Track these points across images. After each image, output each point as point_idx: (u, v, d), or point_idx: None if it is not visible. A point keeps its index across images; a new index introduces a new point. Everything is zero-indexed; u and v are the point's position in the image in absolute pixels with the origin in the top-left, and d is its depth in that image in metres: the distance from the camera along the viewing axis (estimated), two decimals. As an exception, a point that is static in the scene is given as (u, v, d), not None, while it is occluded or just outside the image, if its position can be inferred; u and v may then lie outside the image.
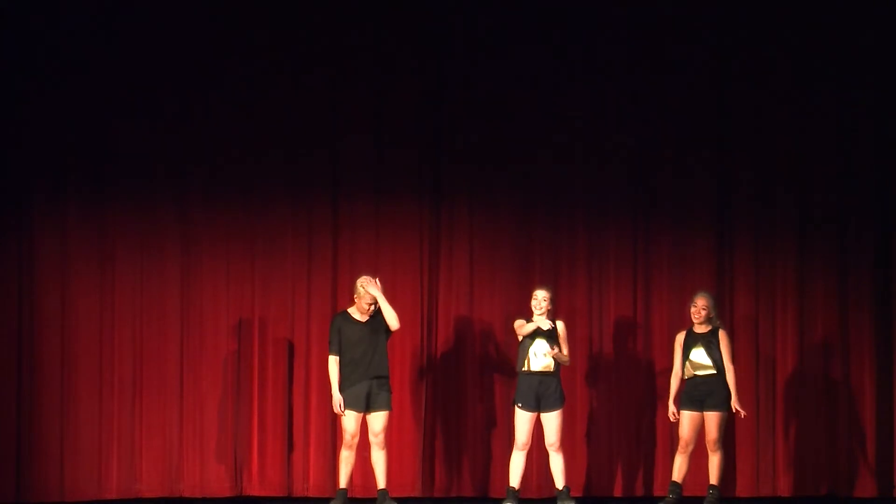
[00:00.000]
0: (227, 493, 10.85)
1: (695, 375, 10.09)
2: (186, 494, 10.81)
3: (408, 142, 11.13)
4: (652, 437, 11.01)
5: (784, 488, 10.98)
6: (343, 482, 9.97)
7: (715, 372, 10.06)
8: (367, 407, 9.90)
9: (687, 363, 10.13)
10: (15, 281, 10.69)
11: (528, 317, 10.09)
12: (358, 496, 10.56)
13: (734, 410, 10.01)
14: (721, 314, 10.98)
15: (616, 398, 11.08)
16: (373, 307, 9.97)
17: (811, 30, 11.15)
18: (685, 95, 11.17)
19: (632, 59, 11.16)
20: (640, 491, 11.01)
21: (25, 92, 10.75)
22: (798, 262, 11.12)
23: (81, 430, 10.70)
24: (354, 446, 9.94)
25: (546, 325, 9.92)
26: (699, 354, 10.11)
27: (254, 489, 10.90)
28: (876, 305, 11.03)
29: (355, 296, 10.02)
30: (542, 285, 10.27)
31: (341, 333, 9.96)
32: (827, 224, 11.11)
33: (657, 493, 10.85)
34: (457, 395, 11.04)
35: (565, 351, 10.06)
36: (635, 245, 11.18)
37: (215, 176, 10.98)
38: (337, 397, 9.90)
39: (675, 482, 10.16)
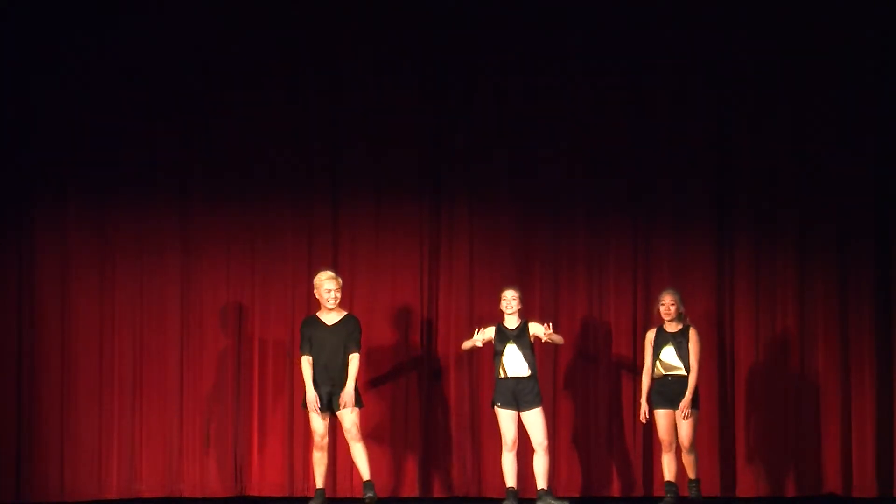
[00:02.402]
0: (228, 493, 10.86)
1: (665, 375, 10.09)
2: (186, 494, 10.82)
3: (408, 142, 11.13)
4: (651, 438, 10.99)
5: (784, 488, 10.94)
6: (319, 482, 10.04)
7: (685, 374, 10.04)
8: (328, 407, 9.95)
9: (657, 362, 10.11)
10: (15, 281, 10.73)
11: (500, 318, 10.10)
12: (358, 496, 10.55)
13: (680, 410, 9.99)
14: (721, 314, 10.99)
15: (615, 399, 11.06)
16: (334, 299, 9.99)
17: (812, 31, 11.11)
18: (685, 96, 11.14)
19: (632, 60, 11.15)
20: (639, 491, 10.99)
21: (26, 93, 10.79)
22: (798, 262, 11.09)
23: (81, 430, 10.73)
24: (325, 447, 10.01)
25: (481, 338, 9.94)
26: (669, 355, 10.08)
27: (254, 489, 10.91)
28: (876, 305, 10.98)
29: (316, 292, 10.08)
30: (510, 285, 10.22)
31: (311, 336, 10.01)
32: (827, 224, 11.07)
33: (657, 493, 10.84)
34: (456, 395, 11.04)
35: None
36: (635, 245, 11.15)
37: (215, 176, 11.00)
38: (312, 394, 9.93)
39: (669, 482, 10.15)
